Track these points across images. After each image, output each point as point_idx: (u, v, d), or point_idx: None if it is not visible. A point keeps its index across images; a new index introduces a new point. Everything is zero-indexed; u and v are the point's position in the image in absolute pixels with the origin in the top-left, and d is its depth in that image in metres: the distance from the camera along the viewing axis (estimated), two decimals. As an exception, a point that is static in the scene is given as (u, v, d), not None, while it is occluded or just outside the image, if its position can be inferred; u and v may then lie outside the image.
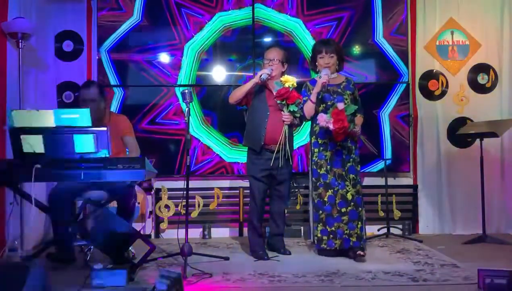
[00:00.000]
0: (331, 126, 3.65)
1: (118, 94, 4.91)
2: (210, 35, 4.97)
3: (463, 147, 5.01)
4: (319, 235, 3.85)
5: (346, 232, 3.78)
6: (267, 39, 5.02)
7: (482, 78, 5.07)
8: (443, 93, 5.06)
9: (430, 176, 5.04)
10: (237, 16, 4.99)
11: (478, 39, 5.05)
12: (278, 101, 3.88)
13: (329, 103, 3.83)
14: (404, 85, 5.02)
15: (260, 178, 3.92)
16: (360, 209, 3.83)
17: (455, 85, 5.06)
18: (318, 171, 3.87)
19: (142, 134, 4.78)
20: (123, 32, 4.92)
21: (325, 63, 3.87)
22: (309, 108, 3.88)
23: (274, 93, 3.88)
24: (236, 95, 3.94)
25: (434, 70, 5.07)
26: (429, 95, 5.06)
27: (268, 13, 5.00)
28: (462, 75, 5.06)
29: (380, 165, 4.95)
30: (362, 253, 3.74)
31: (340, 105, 3.70)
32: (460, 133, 4.76)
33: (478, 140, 4.59)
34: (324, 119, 3.70)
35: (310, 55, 4.06)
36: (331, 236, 3.80)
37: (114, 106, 4.88)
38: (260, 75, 3.84)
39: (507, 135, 4.85)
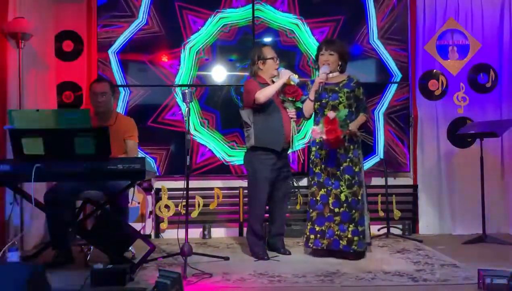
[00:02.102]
0: (324, 137, 3.67)
1: (124, 95, 4.94)
2: (210, 35, 4.97)
3: (463, 147, 5.01)
4: (307, 233, 3.87)
5: (336, 233, 3.75)
6: (267, 39, 5.02)
7: (482, 78, 5.07)
8: (443, 93, 5.06)
9: (430, 176, 5.04)
10: (238, 15, 4.99)
11: (478, 39, 5.06)
12: (287, 98, 3.94)
13: (323, 101, 3.82)
14: (396, 85, 5.03)
15: (270, 179, 3.90)
16: (353, 211, 3.76)
17: (455, 85, 5.06)
18: (314, 169, 3.89)
19: (158, 125, 4.91)
20: (130, 34, 4.93)
21: (323, 60, 3.86)
22: (308, 106, 3.89)
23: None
24: (268, 94, 3.85)
25: (434, 70, 5.07)
26: (429, 95, 5.07)
27: (269, 12, 5.01)
28: (462, 75, 5.07)
29: (374, 159, 4.97)
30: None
31: (331, 114, 3.70)
32: (460, 133, 4.76)
33: (478, 140, 4.60)
34: (318, 132, 3.70)
35: (315, 54, 4.05)
36: (319, 235, 3.80)
37: (123, 106, 4.92)
38: (290, 77, 3.86)
39: (507, 135, 4.85)
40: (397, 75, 5.05)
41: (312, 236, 3.83)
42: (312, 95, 3.85)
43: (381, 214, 4.90)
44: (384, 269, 3.43)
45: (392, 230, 4.77)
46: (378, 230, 4.83)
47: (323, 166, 3.83)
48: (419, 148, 5.06)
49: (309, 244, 3.85)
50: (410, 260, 3.77)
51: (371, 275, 3.29)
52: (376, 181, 4.94)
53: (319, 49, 3.94)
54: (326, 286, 3.08)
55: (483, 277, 2.90)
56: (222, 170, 4.97)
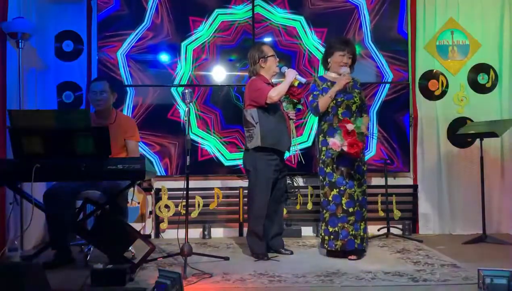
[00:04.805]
0: (345, 149, 3.61)
1: (130, 94, 4.94)
2: (209, 34, 4.98)
3: (463, 147, 5.01)
4: (322, 234, 3.85)
5: (351, 233, 3.73)
6: (267, 39, 5.01)
7: (482, 78, 5.07)
8: (443, 93, 5.06)
9: (430, 176, 5.04)
10: (239, 14, 5.01)
11: (478, 39, 5.06)
12: (291, 100, 3.95)
13: (339, 100, 3.79)
14: (388, 85, 5.01)
15: (274, 179, 3.89)
16: (363, 209, 3.82)
17: (455, 85, 5.06)
18: (325, 169, 3.84)
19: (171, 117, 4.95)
20: (136, 36, 4.93)
21: (344, 62, 3.85)
22: (325, 103, 3.81)
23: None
24: (282, 93, 3.84)
25: (434, 70, 5.07)
26: (429, 95, 5.07)
27: (269, 11, 5.02)
28: (462, 75, 5.06)
29: (368, 155, 4.94)
30: (353, 257, 3.73)
31: (350, 127, 3.65)
32: (460, 133, 4.76)
33: (478, 140, 4.59)
34: (338, 145, 3.63)
35: (325, 51, 4.01)
36: (332, 236, 3.77)
37: (129, 105, 4.93)
38: (296, 77, 3.87)
39: (507, 135, 4.85)
40: (389, 75, 5.04)
41: (326, 237, 3.80)
42: (333, 94, 3.78)
43: (381, 214, 4.90)
44: (384, 269, 3.43)
45: (392, 230, 4.77)
46: (378, 230, 4.83)
47: (334, 165, 3.79)
48: (419, 148, 5.06)
49: (324, 245, 3.83)
50: (410, 260, 3.76)
51: (371, 275, 3.29)
52: (376, 181, 4.94)
53: (338, 49, 3.87)
54: (326, 286, 3.08)
55: (483, 277, 2.89)
56: (215, 165, 4.95)
